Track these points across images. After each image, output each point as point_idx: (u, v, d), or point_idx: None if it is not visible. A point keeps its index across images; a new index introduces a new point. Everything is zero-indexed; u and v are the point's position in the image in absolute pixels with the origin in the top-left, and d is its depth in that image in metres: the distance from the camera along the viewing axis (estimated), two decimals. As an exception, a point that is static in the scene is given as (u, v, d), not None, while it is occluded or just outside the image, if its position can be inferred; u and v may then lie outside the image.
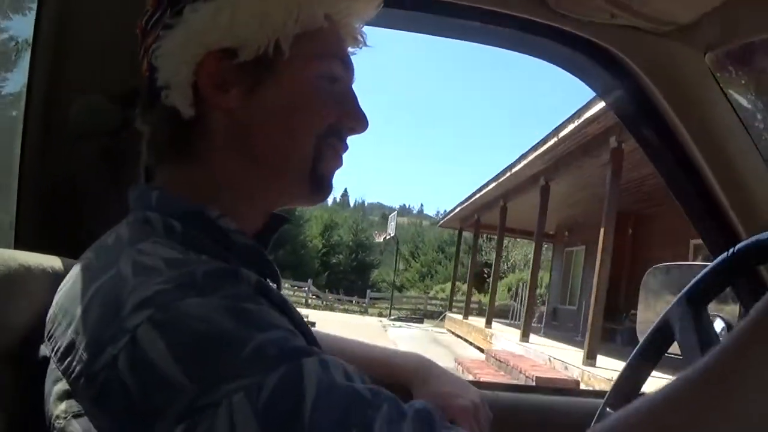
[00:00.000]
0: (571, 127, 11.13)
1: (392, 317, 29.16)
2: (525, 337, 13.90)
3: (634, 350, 0.95)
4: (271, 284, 0.79)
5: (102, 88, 1.15)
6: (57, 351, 0.62)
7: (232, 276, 0.61)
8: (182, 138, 0.77)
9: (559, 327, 19.97)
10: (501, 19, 1.32)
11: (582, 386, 7.66)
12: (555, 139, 12.21)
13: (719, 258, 0.80)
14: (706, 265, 0.87)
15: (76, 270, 0.71)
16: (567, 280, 21.50)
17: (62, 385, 0.59)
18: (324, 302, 33.48)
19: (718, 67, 1.34)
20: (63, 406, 0.59)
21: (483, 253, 32.76)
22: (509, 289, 27.39)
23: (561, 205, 16.20)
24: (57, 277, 0.86)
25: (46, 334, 0.67)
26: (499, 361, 8.53)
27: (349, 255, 54.07)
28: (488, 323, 18.14)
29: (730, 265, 0.77)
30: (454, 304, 25.78)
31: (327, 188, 0.80)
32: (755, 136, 1.34)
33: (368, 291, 37.18)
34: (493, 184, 17.48)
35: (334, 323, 14.82)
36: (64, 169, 1.15)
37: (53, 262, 0.87)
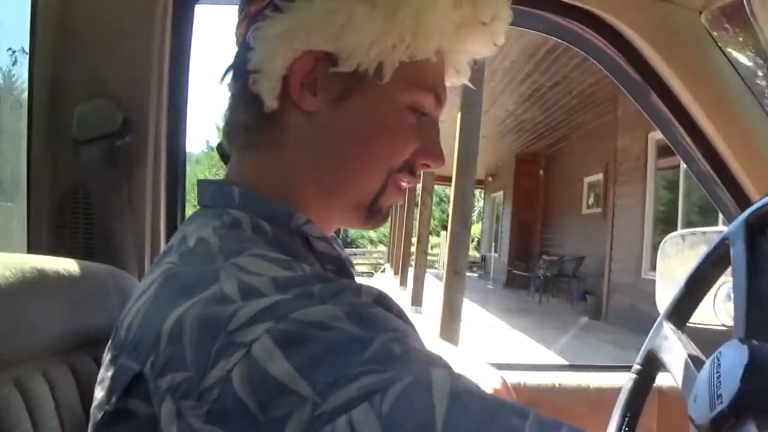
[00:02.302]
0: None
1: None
2: (403, 285, 14.08)
3: (692, 269, 0.93)
4: None
5: (103, 91, 1.15)
6: (154, 366, 0.55)
7: (354, 288, 0.57)
8: (259, 128, 0.74)
9: (484, 276, 20.37)
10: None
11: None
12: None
13: None
14: (721, 231, 0.87)
15: (157, 275, 0.63)
16: (492, 227, 21.36)
17: (169, 405, 0.53)
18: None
19: (714, 26, 1.32)
20: (175, 427, 0.53)
21: (447, 202, 32.71)
22: (472, 240, 27.38)
23: (483, 150, 15.58)
24: (72, 279, 0.86)
25: (130, 346, 0.59)
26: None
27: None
28: (396, 274, 18.10)
29: None
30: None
31: (382, 220, 0.77)
32: (758, 94, 1.32)
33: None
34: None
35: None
36: (72, 174, 1.14)
37: (67, 264, 0.86)
